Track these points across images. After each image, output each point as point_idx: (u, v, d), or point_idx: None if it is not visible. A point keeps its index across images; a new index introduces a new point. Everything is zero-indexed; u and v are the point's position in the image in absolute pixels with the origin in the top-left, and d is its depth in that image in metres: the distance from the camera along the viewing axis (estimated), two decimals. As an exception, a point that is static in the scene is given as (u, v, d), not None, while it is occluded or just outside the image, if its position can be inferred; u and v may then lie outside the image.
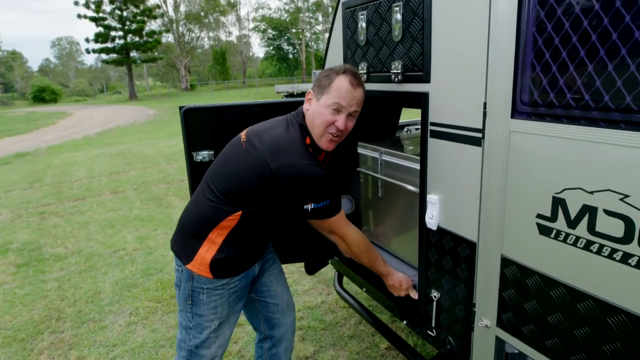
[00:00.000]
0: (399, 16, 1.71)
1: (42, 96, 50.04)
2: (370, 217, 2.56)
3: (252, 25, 63.38)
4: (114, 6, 40.79)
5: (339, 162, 2.51)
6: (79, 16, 40.01)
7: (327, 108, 1.65)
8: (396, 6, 1.71)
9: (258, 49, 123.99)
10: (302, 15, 52.82)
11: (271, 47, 63.40)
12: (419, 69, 1.66)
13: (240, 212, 1.66)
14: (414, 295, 1.96)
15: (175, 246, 1.81)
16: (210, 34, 58.38)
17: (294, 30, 56.75)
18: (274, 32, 60.54)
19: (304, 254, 2.58)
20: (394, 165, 2.17)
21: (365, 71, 1.98)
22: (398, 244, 2.32)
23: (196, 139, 2.20)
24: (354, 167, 2.54)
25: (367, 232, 2.59)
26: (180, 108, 2.17)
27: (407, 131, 3.27)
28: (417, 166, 1.91)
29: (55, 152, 12.65)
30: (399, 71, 1.75)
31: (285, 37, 60.47)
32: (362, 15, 1.94)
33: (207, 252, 1.70)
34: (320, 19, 56.74)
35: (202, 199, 1.73)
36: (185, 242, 1.75)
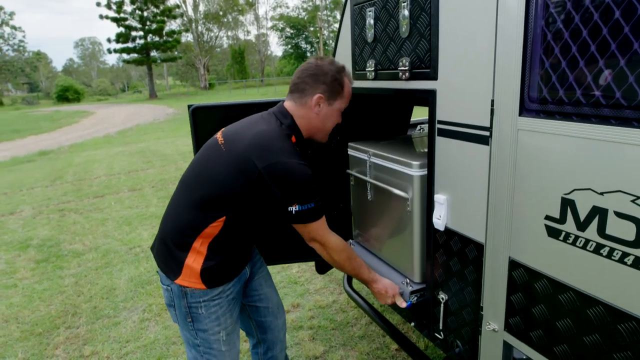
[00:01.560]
0: (406, 12, 1.67)
1: (66, 95, 51.19)
2: (362, 221, 2.46)
3: (270, 24, 63.64)
4: (134, 6, 41.43)
5: (330, 163, 2.46)
6: (101, 17, 40.76)
7: (338, 112, 1.74)
8: (404, 2, 1.68)
9: (276, 47, 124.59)
10: (320, 13, 52.76)
11: (289, 46, 63.58)
12: (427, 65, 1.62)
13: (224, 218, 1.59)
14: (401, 302, 1.90)
15: (159, 261, 1.71)
16: (229, 33, 58.84)
17: (311, 29, 56.75)
18: (291, 31, 60.68)
19: (295, 254, 2.50)
20: (382, 167, 2.06)
21: (373, 69, 1.95)
22: (387, 249, 2.21)
23: (205, 138, 2.20)
24: (344, 168, 2.45)
25: (358, 237, 2.50)
26: (189, 107, 2.17)
27: (419, 129, 3.23)
28: (404, 169, 1.87)
29: (77, 150, 12.92)
30: (407, 68, 1.72)
31: (303, 35, 60.53)
32: (370, 11, 1.91)
33: (194, 262, 1.61)
34: (338, 17, 56.59)
35: (181, 206, 1.66)
36: (169, 255, 1.65)
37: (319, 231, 1.66)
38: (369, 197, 2.23)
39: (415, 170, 1.82)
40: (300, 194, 1.56)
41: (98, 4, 40.52)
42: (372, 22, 1.90)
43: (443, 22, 1.52)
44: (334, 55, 2.35)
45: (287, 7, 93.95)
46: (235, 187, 1.55)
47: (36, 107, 46.02)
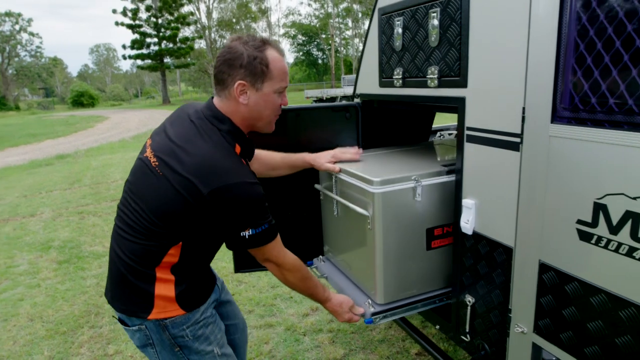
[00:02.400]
0: (436, 22, 1.73)
1: (81, 100, 52.04)
2: (330, 238, 2.38)
3: (282, 31, 64.13)
4: (149, 14, 42.09)
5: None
6: (117, 23, 41.45)
7: (273, 95, 1.50)
8: (433, 12, 1.73)
9: (288, 54, 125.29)
10: (331, 20, 53.09)
11: (300, 53, 64.03)
12: (456, 74, 1.67)
13: (180, 244, 1.44)
14: (358, 311, 1.82)
15: (120, 304, 1.51)
16: (242, 40, 59.27)
17: (323, 36, 57.08)
18: (303, 38, 61.11)
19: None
20: (346, 183, 1.96)
21: (400, 76, 2.00)
22: (353, 268, 2.13)
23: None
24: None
25: (328, 252, 2.44)
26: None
27: (439, 136, 3.27)
28: (365, 185, 1.80)
29: (94, 154, 13.12)
30: (435, 76, 1.77)
31: (315, 42, 60.91)
32: (398, 21, 1.96)
33: (165, 290, 1.46)
34: (350, 24, 56.91)
35: (130, 238, 1.46)
36: (133, 292, 1.47)
37: (274, 252, 1.53)
38: (335, 214, 2.17)
39: (375, 187, 1.75)
40: (252, 217, 1.42)
41: (114, 11, 41.27)
42: (400, 31, 1.96)
43: (473, 32, 1.57)
44: (359, 63, 2.41)
45: (299, 15, 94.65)
46: (180, 216, 1.39)
47: (51, 111, 46.83)
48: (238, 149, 1.48)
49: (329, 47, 54.84)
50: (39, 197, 7.91)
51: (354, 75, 28.92)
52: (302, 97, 29.08)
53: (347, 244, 2.15)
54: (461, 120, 1.66)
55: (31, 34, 52.33)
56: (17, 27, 50.51)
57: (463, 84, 1.64)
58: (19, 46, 51.00)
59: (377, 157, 2.24)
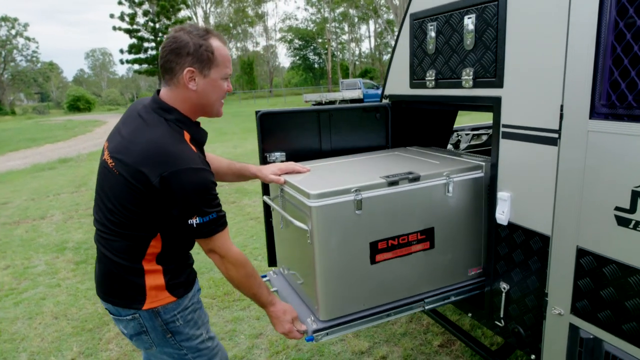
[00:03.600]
0: (471, 26, 1.85)
1: (77, 105, 51.92)
2: (280, 251, 2.37)
3: (279, 35, 64.46)
4: (147, 18, 42.18)
5: None
6: (114, 28, 41.47)
7: (220, 80, 1.54)
8: (469, 18, 1.85)
9: (284, 58, 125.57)
10: (328, 25, 53.42)
11: (297, 57, 64.29)
12: (492, 75, 1.79)
13: (158, 234, 1.50)
14: (301, 327, 1.76)
15: (113, 298, 1.57)
16: (238, 44, 59.64)
17: (320, 40, 57.41)
18: (300, 42, 61.40)
19: None
20: (290, 195, 1.93)
21: (433, 78, 2.13)
22: (298, 283, 2.11)
23: (269, 141, 2.37)
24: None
25: (280, 265, 2.41)
26: (257, 112, 2.35)
27: (457, 136, 3.39)
28: (304, 199, 1.76)
29: (96, 158, 13.16)
30: (470, 77, 1.89)
31: (312, 47, 61.21)
32: (431, 25, 2.08)
33: (156, 280, 1.53)
34: (346, 28, 57.28)
35: (110, 236, 1.51)
36: (126, 286, 1.53)
37: (218, 242, 1.51)
38: (280, 227, 2.16)
39: (312, 200, 1.71)
40: (199, 205, 1.43)
41: (112, 16, 41.30)
42: (433, 35, 2.08)
43: (510, 36, 1.69)
44: (389, 66, 2.53)
45: (296, 19, 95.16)
46: (143, 208, 1.44)
47: (47, 116, 46.68)
48: (187, 135, 1.50)
49: (326, 51, 55.16)
50: (47, 200, 7.96)
51: (352, 80, 29.13)
52: (300, 101, 29.23)
53: (293, 257, 2.11)
54: (497, 118, 1.78)
55: (27, 38, 52.32)
56: (13, 31, 50.50)
57: (499, 84, 1.76)
58: (15, 51, 50.96)
59: (328, 168, 2.17)
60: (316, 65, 63.71)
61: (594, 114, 1.42)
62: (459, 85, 1.97)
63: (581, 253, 1.51)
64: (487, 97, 1.83)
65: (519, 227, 1.77)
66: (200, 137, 1.58)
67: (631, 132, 1.32)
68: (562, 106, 1.51)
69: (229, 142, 13.95)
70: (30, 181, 10.12)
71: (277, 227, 2.26)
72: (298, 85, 61.32)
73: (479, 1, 1.80)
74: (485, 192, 1.99)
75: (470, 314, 2.16)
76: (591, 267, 1.49)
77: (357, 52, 59.36)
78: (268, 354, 3.00)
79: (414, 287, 1.96)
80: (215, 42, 1.50)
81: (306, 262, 1.87)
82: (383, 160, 2.27)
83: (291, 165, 2.06)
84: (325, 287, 1.81)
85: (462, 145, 3.44)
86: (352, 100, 22.92)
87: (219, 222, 1.49)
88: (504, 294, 1.89)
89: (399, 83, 2.43)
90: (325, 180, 1.92)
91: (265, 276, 2.43)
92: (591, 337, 1.52)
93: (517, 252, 1.79)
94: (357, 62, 59.32)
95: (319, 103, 24.40)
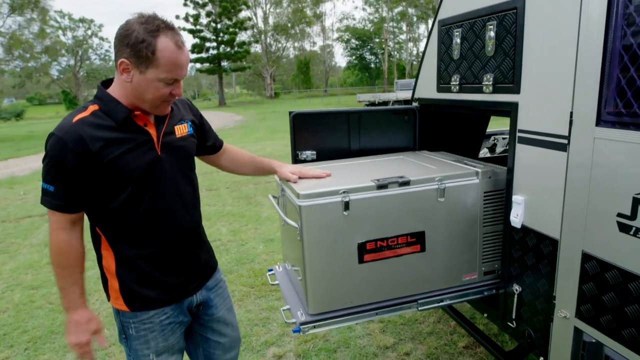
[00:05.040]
0: (492, 33, 1.90)
1: (143, 101, 54.71)
2: (283, 246, 2.47)
3: (336, 35, 64.78)
4: (209, 19, 43.95)
5: None
6: (180, 29, 43.58)
7: (158, 82, 1.42)
8: (490, 25, 1.90)
9: (340, 58, 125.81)
10: (386, 25, 53.03)
11: (354, 57, 64.36)
12: (510, 81, 1.84)
13: (97, 227, 1.54)
14: (102, 343, 1.60)
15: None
16: (296, 44, 60.64)
17: (377, 40, 57.11)
18: (357, 42, 61.40)
19: None
20: (287, 195, 2.01)
21: (457, 82, 2.18)
22: (296, 276, 2.14)
23: (301, 140, 2.52)
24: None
25: (285, 260, 2.47)
26: (290, 113, 2.51)
27: (493, 140, 3.39)
28: (294, 199, 1.84)
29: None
30: (490, 83, 1.94)
31: (368, 46, 61.04)
32: (456, 32, 2.15)
33: (111, 282, 1.55)
34: (404, 28, 56.59)
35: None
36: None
37: (50, 218, 1.45)
38: (282, 224, 2.22)
39: (301, 200, 1.80)
40: (43, 169, 1.41)
41: (177, 17, 43.52)
42: (458, 41, 2.14)
43: (527, 44, 1.73)
44: (418, 70, 2.61)
45: (354, 19, 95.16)
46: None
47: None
48: (94, 107, 1.45)
49: (382, 51, 54.79)
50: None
51: (407, 80, 28.78)
52: (354, 101, 29.30)
53: (291, 253, 2.18)
54: (513, 123, 1.83)
55: (101, 38, 55.98)
56: (89, 32, 54.28)
57: (516, 90, 1.81)
58: (90, 50, 54.77)
59: (337, 168, 2.23)
60: (372, 65, 63.49)
61: (600, 121, 1.44)
62: (480, 90, 2.02)
63: (586, 258, 1.54)
64: (505, 103, 1.87)
65: (531, 230, 1.80)
66: (114, 114, 1.46)
67: (634, 139, 1.34)
68: (571, 113, 1.54)
69: (281, 140, 14.30)
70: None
71: (281, 224, 2.36)
72: (353, 85, 61.37)
73: (500, 9, 1.85)
74: (481, 198, 2.01)
75: (485, 314, 2.20)
76: (595, 271, 1.51)
77: (414, 52, 58.49)
78: (297, 342, 3.16)
79: (406, 288, 2.00)
80: (162, 43, 1.37)
81: (298, 258, 1.95)
82: (387, 163, 2.31)
83: (312, 170, 2.07)
84: (313, 282, 1.88)
85: (499, 149, 3.42)
86: (406, 102, 22.64)
87: (47, 198, 1.42)
88: (516, 296, 1.92)
89: (427, 87, 2.50)
90: (322, 180, 2.00)
91: (271, 270, 2.53)
92: (593, 341, 1.54)
93: (529, 255, 1.83)
94: (414, 62, 58.44)
95: (372, 103, 24.33)
